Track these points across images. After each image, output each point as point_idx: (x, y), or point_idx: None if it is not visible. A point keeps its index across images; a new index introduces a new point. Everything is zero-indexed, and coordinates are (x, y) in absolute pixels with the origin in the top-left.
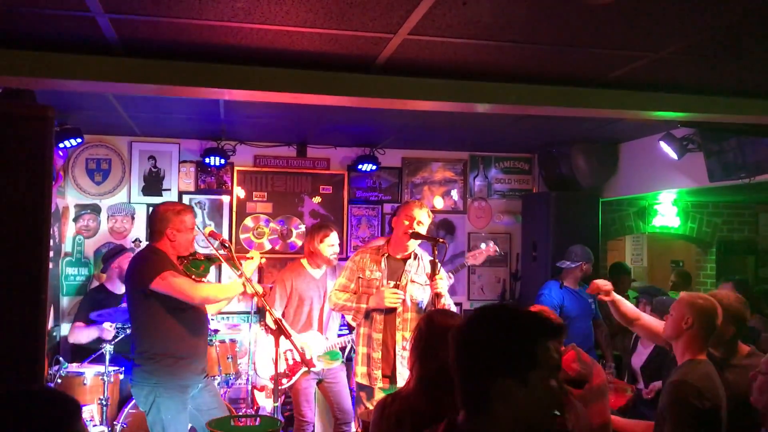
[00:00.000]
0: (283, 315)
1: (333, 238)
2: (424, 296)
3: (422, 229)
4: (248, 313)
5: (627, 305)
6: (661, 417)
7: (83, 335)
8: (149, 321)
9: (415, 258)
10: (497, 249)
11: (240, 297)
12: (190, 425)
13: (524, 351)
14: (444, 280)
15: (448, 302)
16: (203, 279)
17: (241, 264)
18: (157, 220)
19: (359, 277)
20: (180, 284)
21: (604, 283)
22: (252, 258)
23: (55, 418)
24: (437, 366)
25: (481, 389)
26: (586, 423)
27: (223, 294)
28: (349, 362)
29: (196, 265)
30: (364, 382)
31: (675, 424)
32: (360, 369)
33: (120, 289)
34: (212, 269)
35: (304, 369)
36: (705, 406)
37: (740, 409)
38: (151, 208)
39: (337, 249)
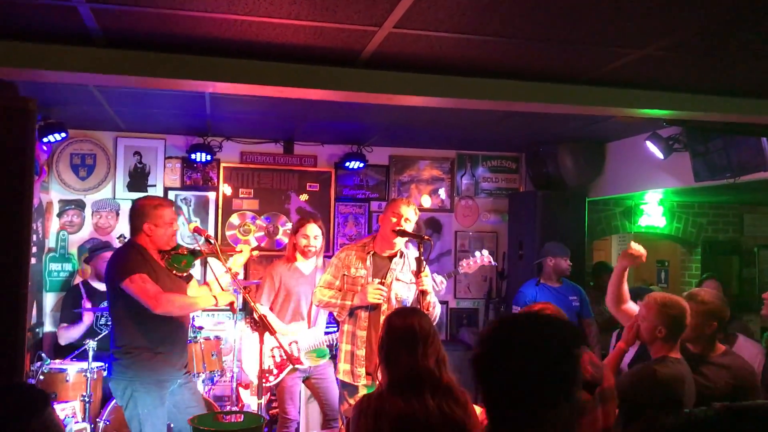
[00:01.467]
0: (271, 309)
1: (309, 229)
2: (409, 294)
3: (409, 227)
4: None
5: (626, 286)
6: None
7: (71, 333)
8: (127, 315)
9: (401, 256)
10: (491, 259)
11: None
12: (169, 423)
13: (575, 372)
14: (429, 278)
15: (433, 300)
16: (185, 273)
17: (227, 260)
18: (134, 215)
19: (344, 275)
20: (146, 291)
21: (638, 249)
22: (241, 251)
23: (20, 410)
24: (402, 372)
25: (537, 415)
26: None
27: (190, 309)
28: (335, 358)
29: (177, 260)
30: (347, 379)
31: (625, 407)
32: (343, 366)
33: (102, 286)
34: (197, 264)
35: (291, 367)
36: (657, 399)
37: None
38: None
39: (313, 242)
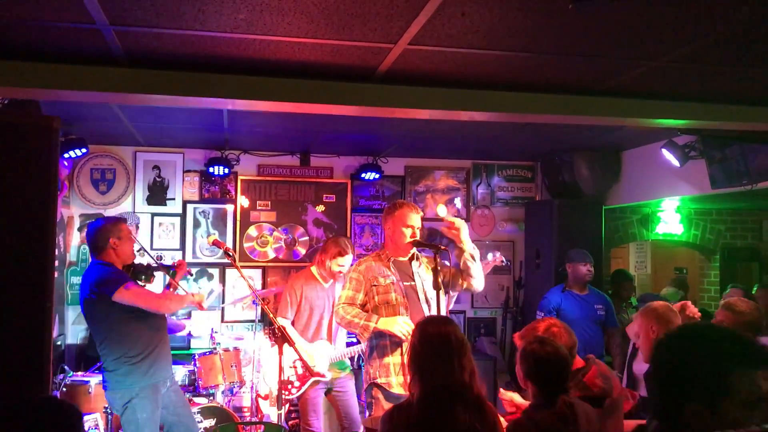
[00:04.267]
0: (293, 323)
1: (345, 260)
2: (434, 293)
3: (418, 232)
4: (253, 321)
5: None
6: None
7: None
8: (116, 328)
9: (417, 258)
10: (503, 259)
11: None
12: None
13: (714, 379)
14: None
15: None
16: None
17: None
18: (97, 235)
19: (374, 285)
20: (145, 296)
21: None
22: (197, 295)
23: (58, 426)
24: (435, 384)
25: (672, 408)
26: None
27: (181, 304)
28: (357, 370)
29: (138, 275)
30: (402, 391)
31: None
32: (398, 379)
33: None
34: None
35: (314, 379)
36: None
37: None
38: (154, 218)
39: (345, 270)
